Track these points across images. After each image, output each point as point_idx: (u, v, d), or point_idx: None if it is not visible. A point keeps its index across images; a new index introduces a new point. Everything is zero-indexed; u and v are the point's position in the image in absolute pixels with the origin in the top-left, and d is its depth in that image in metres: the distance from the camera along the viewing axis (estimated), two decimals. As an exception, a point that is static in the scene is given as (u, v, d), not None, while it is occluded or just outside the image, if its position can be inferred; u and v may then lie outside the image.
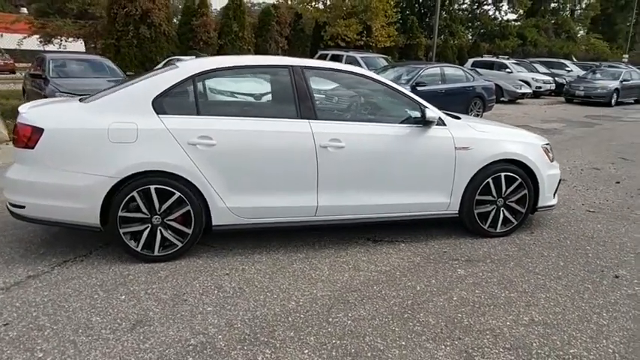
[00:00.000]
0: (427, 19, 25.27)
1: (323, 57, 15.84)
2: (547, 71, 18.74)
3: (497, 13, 29.56)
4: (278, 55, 17.92)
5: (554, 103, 16.69)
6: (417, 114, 3.62)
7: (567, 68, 20.10)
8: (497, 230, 3.87)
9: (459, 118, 3.94)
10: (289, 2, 20.12)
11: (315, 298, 2.86)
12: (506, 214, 3.87)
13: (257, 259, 3.38)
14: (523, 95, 15.95)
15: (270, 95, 3.58)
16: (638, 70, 17.64)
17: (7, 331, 2.45)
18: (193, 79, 3.29)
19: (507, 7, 29.10)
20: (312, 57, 18.53)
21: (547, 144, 4.07)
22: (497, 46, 26.13)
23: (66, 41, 16.00)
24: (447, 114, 3.84)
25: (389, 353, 2.35)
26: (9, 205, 3.24)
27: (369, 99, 3.75)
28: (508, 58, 19.54)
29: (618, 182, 5.88)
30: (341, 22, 18.48)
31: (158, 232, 3.23)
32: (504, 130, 4.08)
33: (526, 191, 3.85)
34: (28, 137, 3.05)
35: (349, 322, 2.62)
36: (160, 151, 3.14)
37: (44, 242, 3.56)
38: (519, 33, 28.31)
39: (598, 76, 16.78)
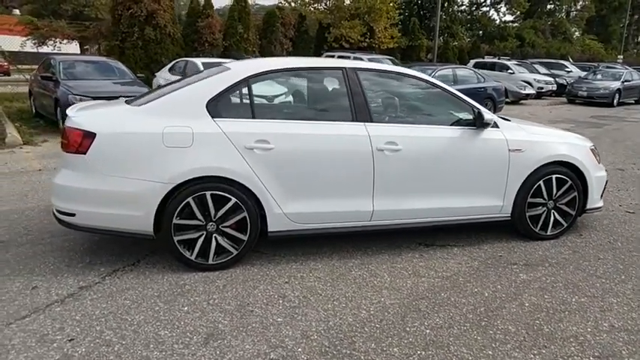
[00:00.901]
0: (427, 21, 25.34)
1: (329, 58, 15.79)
2: (547, 72, 18.86)
3: (495, 14, 29.92)
4: (284, 56, 17.84)
5: (557, 104, 16.78)
6: (469, 116, 3.56)
7: (567, 69, 20.26)
8: (548, 233, 3.81)
9: (509, 120, 3.88)
10: (292, 4, 20.02)
11: (385, 307, 2.77)
12: (557, 216, 3.81)
13: (313, 266, 3.29)
14: (527, 96, 16.02)
15: (324, 98, 3.49)
16: (636, 71, 17.80)
17: (74, 347, 2.33)
18: (247, 81, 3.19)
19: (505, 8, 29.36)
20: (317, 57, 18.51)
21: (593, 146, 4.02)
22: (496, 47, 26.29)
23: (60, 43, 15.69)
24: (499, 116, 3.78)
25: (479, 364, 2.27)
26: (57, 213, 3.11)
27: (421, 101, 3.68)
28: (509, 59, 19.65)
29: None
30: (345, 24, 18.44)
31: (213, 239, 3.12)
32: (553, 132, 4.03)
33: (576, 193, 3.80)
34: (79, 142, 2.93)
35: (427, 331, 2.53)
36: (216, 156, 3.03)
37: (88, 251, 3.43)
38: (517, 34, 28.54)
39: (599, 76, 16.91)
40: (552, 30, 31.48)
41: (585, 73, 18.68)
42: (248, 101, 3.19)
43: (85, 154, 2.93)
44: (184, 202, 3.00)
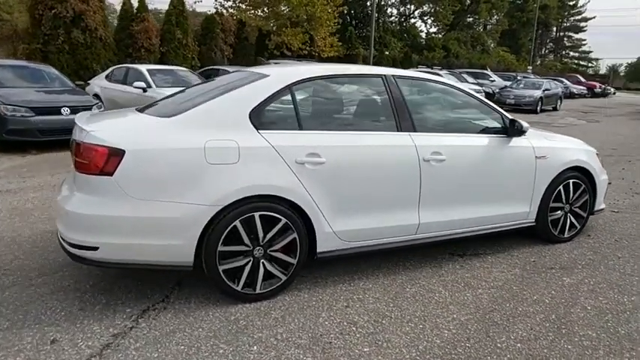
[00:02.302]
0: (361, 30, 26.00)
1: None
2: (475, 81, 20.18)
3: (423, 26, 31.59)
4: (224, 63, 17.22)
5: (486, 111, 17.96)
6: (497, 124, 3.57)
7: (491, 78, 21.84)
8: (565, 236, 3.95)
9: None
10: (230, 10, 19.46)
11: (463, 324, 2.64)
12: (572, 219, 3.96)
13: (363, 285, 3.07)
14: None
15: (368, 106, 3.29)
16: (553, 81, 19.66)
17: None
18: (291, 88, 2.92)
19: (431, 20, 31.07)
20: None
21: (596, 151, 4.25)
22: (425, 57, 27.68)
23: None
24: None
25: (586, 376, 2.22)
26: (70, 247, 2.58)
27: (455, 109, 3.63)
28: (441, 69, 20.74)
29: (610, 183, 6.37)
30: (288, 31, 18.27)
31: (261, 265, 2.79)
32: (567, 139, 4.19)
33: (588, 196, 3.99)
34: (104, 161, 2.47)
35: (518, 345, 2.44)
36: (266, 173, 2.72)
37: (97, 289, 2.92)
38: (444, 45, 30.32)
39: (522, 85, 18.43)
40: (472, 42, 33.95)
41: (510, 82, 20.25)
42: (293, 111, 2.91)
43: (111, 175, 2.47)
44: (231, 226, 2.65)
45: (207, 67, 14.02)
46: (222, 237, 2.63)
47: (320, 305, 2.81)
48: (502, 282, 3.19)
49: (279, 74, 3.01)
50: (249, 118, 2.76)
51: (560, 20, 52.59)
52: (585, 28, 55.77)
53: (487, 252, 3.71)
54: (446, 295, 2.98)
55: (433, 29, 32.82)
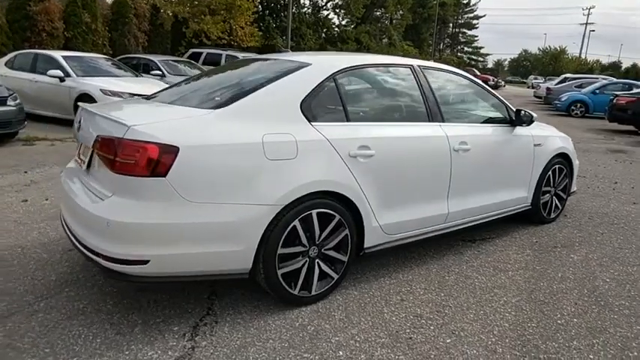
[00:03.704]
0: (278, 21, 25.60)
1: (196, 55, 14.66)
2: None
3: (336, 18, 31.98)
4: (139, 52, 15.88)
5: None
6: (505, 114, 3.74)
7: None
8: (552, 216, 4.30)
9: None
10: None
11: (516, 305, 2.74)
12: (556, 201, 4.32)
13: (403, 278, 3.05)
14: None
15: (404, 97, 3.22)
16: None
17: None
18: (334, 78, 2.77)
19: (343, 13, 31.50)
20: (172, 54, 16.95)
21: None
22: (338, 49, 28.16)
23: None
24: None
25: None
26: (112, 264, 2.19)
27: (470, 100, 3.71)
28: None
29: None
30: (207, 19, 17.32)
31: (316, 265, 2.64)
32: (550, 127, 4.52)
33: (568, 180, 4.38)
34: (155, 160, 2.13)
35: (575, 320, 2.60)
36: (323, 168, 2.56)
37: (123, 308, 2.55)
38: (356, 38, 31.06)
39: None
40: (380, 35, 35.29)
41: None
42: (339, 101, 2.76)
43: (164, 176, 2.15)
44: (290, 227, 2.45)
45: (124, 56, 12.86)
46: (282, 239, 2.44)
47: (375, 301, 2.74)
48: (523, 263, 3.38)
49: (322, 63, 2.85)
50: (301, 109, 2.57)
51: (455, 17, 56.93)
52: (477, 25, 61.07)
53: (492, 236, 3.90)
54: (483, 280, 3.08)
55: (345, 22, 33.58)
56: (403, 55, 36.69)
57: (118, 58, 12.00)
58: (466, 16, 59.16)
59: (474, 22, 60.39)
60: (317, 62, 2.83)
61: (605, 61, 68.38)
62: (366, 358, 2.20)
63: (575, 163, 4.48)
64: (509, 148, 3.69)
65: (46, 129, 8.18)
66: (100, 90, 8.56)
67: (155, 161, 2.13)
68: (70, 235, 2.54)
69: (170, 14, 17.97)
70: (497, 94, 3.79)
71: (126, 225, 2.14)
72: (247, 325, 2.44)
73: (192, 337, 2.30)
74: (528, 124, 3.74)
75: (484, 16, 74.36)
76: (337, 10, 31.41)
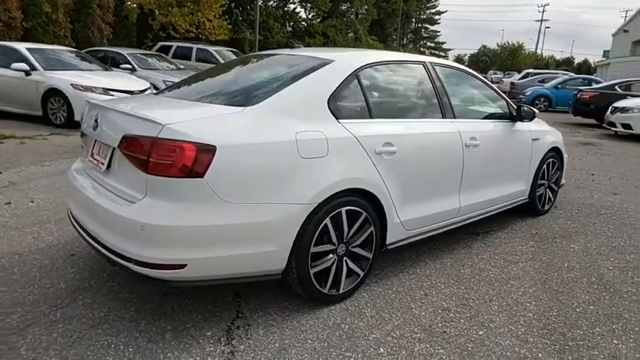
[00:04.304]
0: (246, 14, 25.17)
1: (166, 49, 14.19)
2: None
3: (303, 12, 31.74)
4: (104, 44, 15.21)
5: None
6: (506, 110, 3.83)
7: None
8: (545, 208, 4.46)
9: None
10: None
11: (535, 296, 2.83)
12: (549, 194, 4.49)
13: (421, 272, 3.09)
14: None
15: (419, 93, 3.22)
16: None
17: None
18: (357, 74, 2.75)
19: (310, 7, 31.28)
20: (139, 47, 16.34)
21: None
22: (307, 44, 28.02)
23: None
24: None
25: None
26: (147, 269, 2.10)
27: (474, 96, 3.77)
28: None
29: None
30: (175, 11, 16.76)
31: (344, 263, 2.63)
32: (542, 122, 4.66)
33: (559, 173, 4.55)
34: (193, 160, 2.06)
35: (591, 307, 2.71)
36: (352, 165, 2.55)
37: (148, 314, 2.46)
38: (323, 32, 31.01)
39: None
40: (346, 29, 35.37)
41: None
42: (362, 98, 2.75)
43: (202, 176, 2.07)
44: (322, 225, 2.43)
45: (90, 49, 12.29)
46: (315, 237, 2.41)
47: (401, 297, 2.76)
48: (530, 254, 3.49)
49: (344, 59, 2.82)
50: (328, 106, 2.54)
51: (418, 13, 57.89)
52: (439, 21, 62.34)
53: (495, 229, 4.01)
54: (497, 272, 3.16)
55: (311, 16, 33.42)
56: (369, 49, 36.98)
57: (85, 51, 11.45)
58: (428, 11, 60.27)
59: (436, 17, 61.67)
60: (340, 59, 2.80)
61: (558, 56, 71.56)
62: (408, 354, 2.22)
63: (565, 156, 4.67)
64: (511, 143, 3.80)
65: (12, 126, 7.74)
66: (71, 85, 8.18)
67: (193, 161, 2.05)
68: (89, 240, 2.41)
69: (135, 6, 17.31)
70: (499, 91, 3.89)
71: (162, 228, 2.05)
72: (281, 326, 2.40)
73: (228, 342, 2.25)
74: (530, 120, 3.86)
75: (446, 11, 76.18)
76: (304, 4, 31.23)
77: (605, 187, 5.68)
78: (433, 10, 60.73)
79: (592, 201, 5.04)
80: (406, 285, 2.92)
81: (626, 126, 10.11)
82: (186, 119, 2.17)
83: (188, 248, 2.10)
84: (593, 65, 50.08)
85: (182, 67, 12.57)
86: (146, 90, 9.20)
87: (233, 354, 2.16)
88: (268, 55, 3.30)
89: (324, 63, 2.72)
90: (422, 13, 59.26)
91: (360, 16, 37.69)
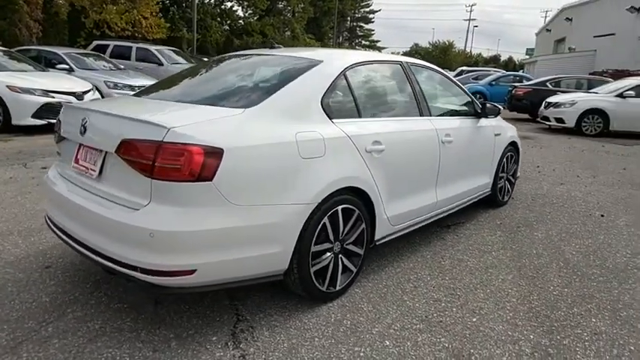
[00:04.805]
0: (181, 12, 24.36)
1: (102, 48, 13.45)
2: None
3: (241, 10, 31.18)
4: (33, 43, 14.15)
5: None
6: (473, 107, 4.04)
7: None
8: (505, 200, 4.77)
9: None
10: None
11: (514, 282, 3.03)
12: (507, 185, 4.80)
13: (405, 266, 3.21)
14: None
15: (398, 93, 3.30)
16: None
17: None
18: (345, 74, 2.80)
19: (247, 4, 30.77)
20: (72, 46, 15.34)
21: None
22: (244, 42, 27.59)
23: None
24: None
25: None
26: (156, 277, 2.03)
27: (444, 94, 3.93)
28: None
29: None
30: (110, 9, 15.85)
31: (339, 261, 2.68)
32: (499, 119, 4.96)
33: (516, 165, 4.88)
34: (201, 164, 2.02)
35: (566, 289, 2.94)
36: (347, 164, 2.61)
37: (146, 323, 2.38)
38: (261, 30, 30.68)
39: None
40: (283, 28, 35.25)
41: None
42: (351, 98, 2.81)
43: (210, 180, 2.04)
44: (321, 224, 2.47)
45: (20, 48, 11.41)
46: (315, 236, 2.45)
47: (392, 290, 2.86)
48: (500, 244, 3.73)
49: (332, 59, 2.86)
50: (321, 106, 2.58)
51: (353, 11, 58.88)
52: (373, 20, 63.75)
53: (462, 221, 4.23)
54: (475, 262, 3.35)
55: (247, 14, 32.94)
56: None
57: (15, 50, 10.61)
58: (363, 10, 61.48)
59: (370, 16, 63.01)
60: (328, 58, 2.84)
61: (485, 54, 75.75)
62: (413, 345, 2.31)
63: (520, 150, 5.02)
64: (478, 139, 4.02)
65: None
66: (7, 87, 7.60)
67: (201, 165, 2.01)
68: (79, 248, 2.29)
69: (65, 2, 16.25)
70: (464, 88, 4.11)
71: (173, 234, 1.99)
72: (285, 326, 2.41)
73: (236, 345, 2.22)
74: (495, 117, 4.11)
75: (379, 10, 78.01)
76: (241, 2, 30.76)
77: (551, 178, 6.16)
78: (367, 9, 62.11)
79: (543, 192, 5.45)
80: (394, 279, 3.02)
81: (560, 120, 10.99)
82: (189, 122, 2.11)
83: (198, 253, 2.06)
84: (517, 62, 53.62)
85: (122, 67, 12.00)
86: (89, 91, 8.72)
87: (244, 357, 2.14)
88: (252, 55, 3.27)
89: (314, 63, 2.75)
90: (356, 11, 60.37)
91: (296, 14, 37.74)
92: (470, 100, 4.08)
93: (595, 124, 10.70)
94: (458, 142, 3.64)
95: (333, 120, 2.61)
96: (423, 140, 3.25)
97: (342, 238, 2.66)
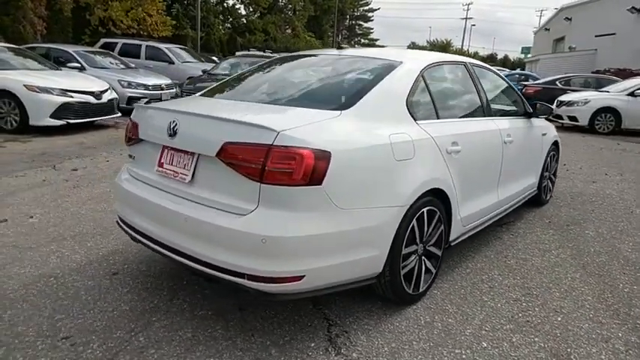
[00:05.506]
0: (183, 9, 24.18)
1: (110, 46, 13.30)
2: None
3: (243, 8, 30.99)
4: (37, 40, 13.95)
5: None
6: (524, 107, 4.06)
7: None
8: (547, 198, 4.79)
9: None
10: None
11: (582, 280, 3.04)
12: (550, 184, 4.82)
13: (474, 266, 3.22)
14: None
15: (465, 93, 3.30)
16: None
17: None
18: (423, 75, 2.79)
19: (248, 2, 30.63)
20: (76, 43, 15.18)
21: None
22: (247, 40, 27.50)
23: None
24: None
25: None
26: (268, 284, 2.01)
27: (500, 95, 3.92)
28: (272, 53, 21.02)
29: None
30: (116, 5, 15.68)
31: (422, 263, 2.67)
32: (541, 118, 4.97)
33: (557, 164, 4.90)
34: (311, 167, 1.99)
35: (635, 287, 2.97)
36: (433, 165, 2.61)
37: (232, 330, 2.37)
38: (264, 29, 30.57)
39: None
40: (284, 26, 35.14)
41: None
42: (429, 99, 2.80)
43: (320, 183, 2.01)
44: (410, 226, 2.46)
45: (29, 46, 11.24)
46: (405, 238, 2.43)
47: (469, 291, 2.86)
48: (558, 242, 3.74)
49: (412, 60, 2.85)
50: (407, 108, 2.56)
51: (352, 10, 58.89)
52: (372, 18, 63.81)
53: (512, 220, 4.25)
54: (539, 261, 3.36)
55: (250, 11, 32.77)
56: (307, 47, 37.28)
57: (24, 47, 10.46)
58: (362, 8, 61.54)
59: (369, 14, 63.07)
60: (408, 59, 2.83)
61: (482, 53, 76.09)
62: (510, 346, 2.31)
63: (561, 149, 5.04)
64: (530, 139, 4.04)
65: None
66: (25, 86, 7.46)
67: (312, 168, 1.99)
68: (170, 254, 2.26)
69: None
70: (515, 89, 4.11)
71: (286, 240, 1.97)
72: (378, 330, 2.40)
73: (338, 351, 2.21)
74: (547, 116, 4.12)
75: (378, 9, 77.98)
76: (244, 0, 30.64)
77: (581, 177, 6.20)
78: (366, 8, 62.16)
79: (578, 190, 5.48)
80: (467, 279, 3.02)
81: (573, 118, 11.07)
82: (295, 125, 2.08)
83: (307, 258, 2.04)
84: (513, 60, 53.91)
85: (133, 65, 11.88)
86: (106, 91, 8.63)
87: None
88: (319, 55, 3.25)
89: (395, 64, 2.73)
90: (355, 10, 60.42)
91: (297, 12, 37.63)
92: (521, 99, 4.09)
93: (607, 123, 10.79)
94: (517, 142, 3.65)
95: (418, 121, 2.60)
96: (491, 140, 3.26)
97: (425, 240, 2.65)
